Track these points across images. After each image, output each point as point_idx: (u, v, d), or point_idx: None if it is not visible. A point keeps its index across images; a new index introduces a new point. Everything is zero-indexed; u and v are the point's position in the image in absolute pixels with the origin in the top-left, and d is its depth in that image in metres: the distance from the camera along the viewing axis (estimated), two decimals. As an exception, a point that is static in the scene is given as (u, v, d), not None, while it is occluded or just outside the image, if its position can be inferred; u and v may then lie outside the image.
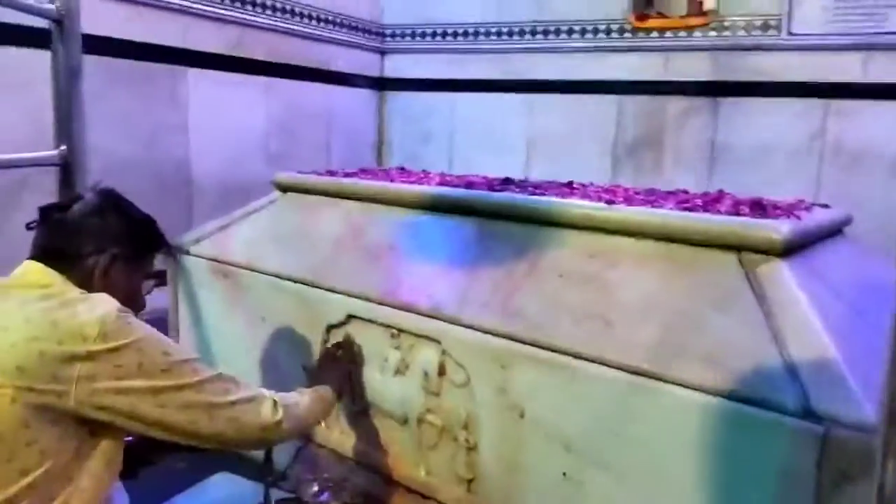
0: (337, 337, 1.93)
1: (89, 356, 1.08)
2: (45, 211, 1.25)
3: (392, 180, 2.16)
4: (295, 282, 2.03)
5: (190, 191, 3.69)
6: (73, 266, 1.21)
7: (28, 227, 1.25)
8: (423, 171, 2.35)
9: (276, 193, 2.39)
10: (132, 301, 1.29)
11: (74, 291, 1.17)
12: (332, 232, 2.10)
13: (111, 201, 1.30)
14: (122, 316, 1.14)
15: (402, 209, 2.01)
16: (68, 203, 1.27)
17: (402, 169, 2.42)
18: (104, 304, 1.15)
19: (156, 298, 3.06)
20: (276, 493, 1.79)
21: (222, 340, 2.30)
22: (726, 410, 1.25)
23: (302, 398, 1.44)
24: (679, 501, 1.33)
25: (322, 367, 1.77)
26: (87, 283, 1.22)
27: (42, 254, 1.22)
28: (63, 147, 1.93)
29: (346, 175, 2.31)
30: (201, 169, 3.73)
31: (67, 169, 1.93)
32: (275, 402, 1.30)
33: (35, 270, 1.20)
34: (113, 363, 1.10)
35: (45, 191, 1.97)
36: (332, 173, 2.36)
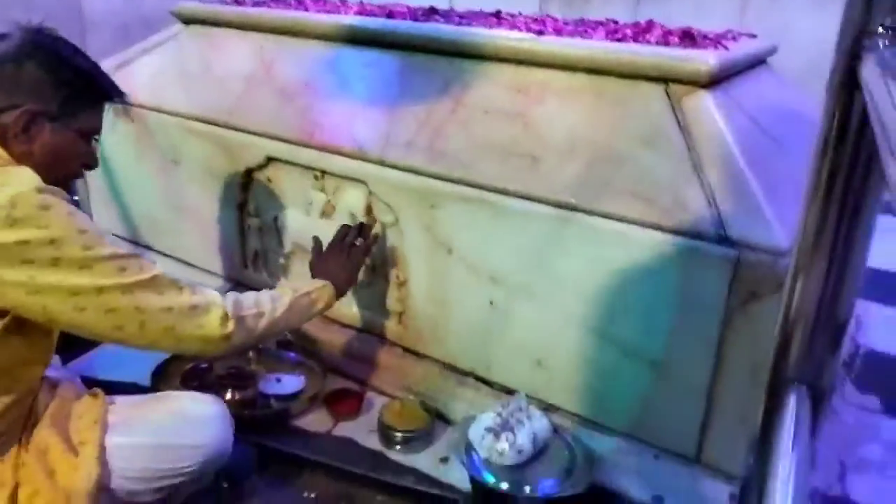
0: (259, 181, 1.87)
1: None
2: None
3: (306, 9, 2.00)
4: (208, 123, 1.91)
5: (82, 25, 3.35)
6: None
7: None
8: (340, -1, 2.18)
9: (179, 26, 2.18)
10: (66, 165, 1.13)
11: None
12: (244, 68, 1.95)
13: (32, 45, 1.08)
14: (38, 198, 0.98)
15: (318, 42, 1.88)
16: None
17: (317, -3, 2.23)
18: (18, 182, 0.99)
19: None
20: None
21: (133, 188, 2.19)
22: (647, 240, 1.30)
23: (274, 305, 1.26)
24: (600, 325, 1.41)
25: (330, 253, 1.53)
26: (7, 145, 1.06)
27: None
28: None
29: (256, 4, 2.13)
30: (93, 1, 3.37)
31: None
32: (225, 313, 1.13)
33: None
34: (21, 257, 0.97)
35: None
36: (238, 2, 2.16)
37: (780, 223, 1.21)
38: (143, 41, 2.22)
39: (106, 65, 2.16)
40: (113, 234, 1.08)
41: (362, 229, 1.61)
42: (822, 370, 0.92)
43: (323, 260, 1.53)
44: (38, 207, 0.98)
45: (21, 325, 1.05)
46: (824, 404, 0.95)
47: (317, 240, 1.58)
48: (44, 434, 1.14)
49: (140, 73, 2.11)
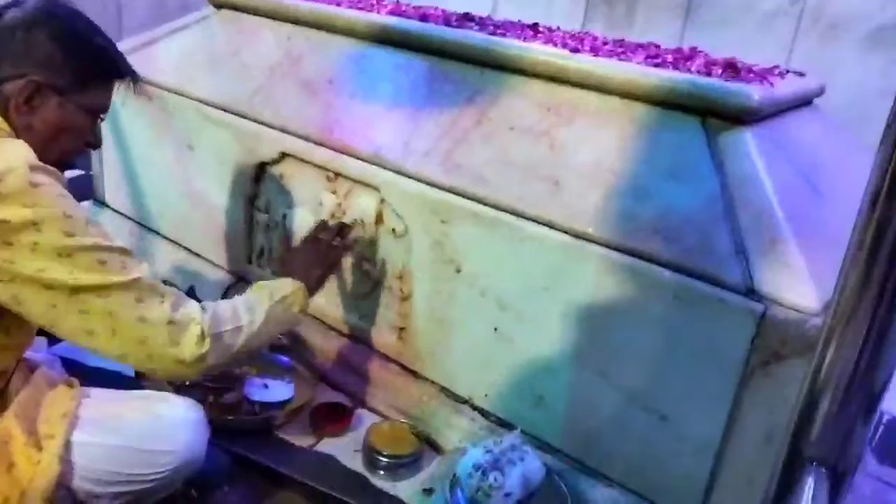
0: (271, 176, 1.80)
1: None
2: None
3: (339, 4, 1.94)
4: (226, 111, 1.85)
5: (118, 1, 3.34)
6: None
7: None
8: (377, -4, 2.12)
9: (210, 9, 2.13)
10: (67, 142, 1.08)
11: None
12: (269, 58, 1.90)
13: (46, 13, 1.03)
14: (29, 175, 0.93)
15: (347, 38, 1.81)
16: (0, 11, 1.02)
17: (354, -7, 2.17)
18: (12, 157, 0.94)
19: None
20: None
21: (149, 168, 2.14)
22: (666, 281, 1.21)
23: (252, 318, 1.15)
24: (607, 367, 1.31)
25: (304, 248, 1.45)
26: (8, 116, 1.01)
27: None
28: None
29: (289, -6, 2.07)
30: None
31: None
32: (202, 332, 1.04)
33: None
34: (1, 237, 0.91)
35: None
36: (273, -9, 2.11)
37: (814, 280, 1.11)
38: (172, 21, 2.17)
39: (134, 42, 2.12)
40: (103, 227, 1.02)
41: (342, 230, 1.53)
42: (847, 448, 0.83)
43: (296, 254, 1.43)
44: (28, 184, 0.93)
45: None
46: (845, 486, 0.86)
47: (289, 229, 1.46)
48: (8, 423, 1.08)
49: (165, 53, 2.07)
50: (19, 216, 0.92)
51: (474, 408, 1.56)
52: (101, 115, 1.14)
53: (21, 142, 0.99)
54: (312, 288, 1.36)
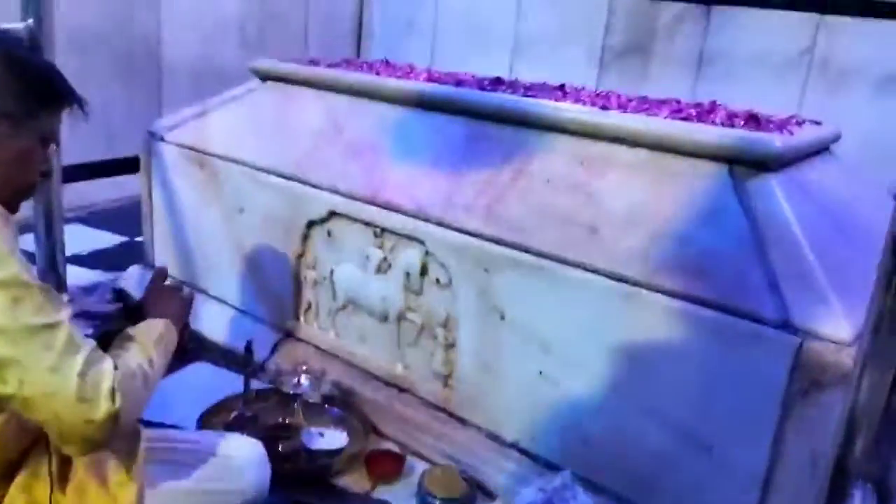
0: (319, 234, 1.91)
1: None
2: None
3: (378, 73, 2.08)
4: (275, 175, 1.98)
5: (159, 73, 3.54)
6: None
7: None
8: (409, 65, 2.26)
9: (255, 81, 2.29)
10: (21, 172, 1.05)
11: None
12: (314, 124, 2.03)
13: None
14: None
15: (387, 104, 1.95)
16: None
17: (387, 62, 2.32)
18: None
19: (128, 185, 2.99)
20: (255, 384, 1.83)
21: (198, 232, 2.26)
22: (705, 319, 1.28)
23: (150, 361, 1.06)
24: (652, 405, 1.38)
25: (161, 295, 1.28)
26: None
27: None
28: (29, 20, 1.82)
29: (330, 66, 2.22)
30: (172, 50, 3.56)
31: (34, 44, 1.82)
32: (113, 390, 0.93)
33: None
34: None
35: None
36: (314, 63, 2.26)
37: (845, 311, 1.18)
38: (216, 92, 2.33)
39: (185, 113, 2.28)
40: (26, 263, 0.95)
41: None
42: (889, 467, 0.89)
43: (156, 302, 1.25)
44: None
45: None
46: (893, 502, 0.91)
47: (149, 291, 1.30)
48: (81, 474, 1.09)
49: (216, 123, 2.21)
50: None
51: (522, 451, 1.62)
52: (52, 143, 1.13)
53: None
54: (179, 325, 1.24)
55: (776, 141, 1.40)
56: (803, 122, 1.69)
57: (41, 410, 0.90)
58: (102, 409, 0.91)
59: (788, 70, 3.45)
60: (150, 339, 1.11)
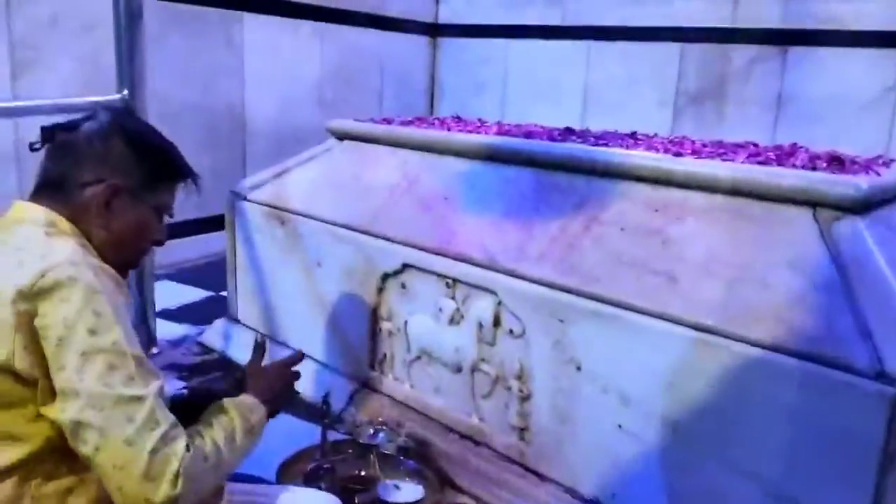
0: (394, 286, 1.94)
1: (17, 314, 0.92)
2: (47, 131, 1.08)
3: (449, 129, 2.13)
4: (351, 229, 2.04)
5: (243, 136, 3.73)
6: (70, 198, 1.06)
7: (31, 147, 1.10)
8: (479, 119, 2.31)
9: (332, 141, 2.38)
10: (138, 240, 1.13)
11: (39, 231, 1.01)
12: (389, 180, 2.09)
13: (119, 123, 1.11)
14: (69, 270, 0.95)
15: (458, 158, 1.99)
16: (76, 123, 1.10)
17: (458, 118, 2.38)
18: (56, 253, 0.97)
19: (214, 243, 3.13)
20: (332, 435, 1.84)
21: (278, 285, 2.33)
22: (794, 369, 1.22)
23: (231, 452, 1.05)
24: (738, 461, 1.31)
25: (267, 375, 1.29)
26: (84, 219, 1.06)
27: (42, 182, 1.08)
28: (125, 91, 1.96)
29: (403, 123, 2.29)
30: (255, 114, 3.75)
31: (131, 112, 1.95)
32: (177, 473, 0.93)
33: (19, 207, 1.06)
34: (33, 327, 0.93)
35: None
36: (388, 121, 2.34)
37: (948, 361, 1.11)
38: (296, 152, 2.43)
39: (266, 173, 2.38)
40: (130, 329, 0.99)
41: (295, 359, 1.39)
42: None
43: (260, 380, 1.27)
44: (66, 278, 0.94)
45: None
46: None
47: (252, 364, 1.33)
48: None
49: (295, 181, 2.31)
50: (54, 311, 0.93)
51: (602, 507, 1.56)
52: (169, 213, 1.20)
53: (69, 240, 1.02)
54: (275, 410, 1.25)
55: (862, 182, 1.34)
56: (890, 161, 1.62)
57: (108, 478, 0.92)
58: (162, 491, 0.92)
59: (872, 109, 3.33)
60: (240, 416, 1.11)
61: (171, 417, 0.97)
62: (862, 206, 1.34)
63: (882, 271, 1.26)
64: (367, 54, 4.29)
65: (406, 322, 1.93)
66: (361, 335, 2.06)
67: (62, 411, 0.92)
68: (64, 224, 1.05)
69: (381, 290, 1.98)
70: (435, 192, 1.96)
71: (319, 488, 1.58)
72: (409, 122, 2.30)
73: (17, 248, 0.98)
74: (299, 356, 1.38)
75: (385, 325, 2.00)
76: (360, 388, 2.08)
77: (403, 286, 1.93)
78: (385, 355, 2.03)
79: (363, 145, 2.25)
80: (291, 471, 1.72)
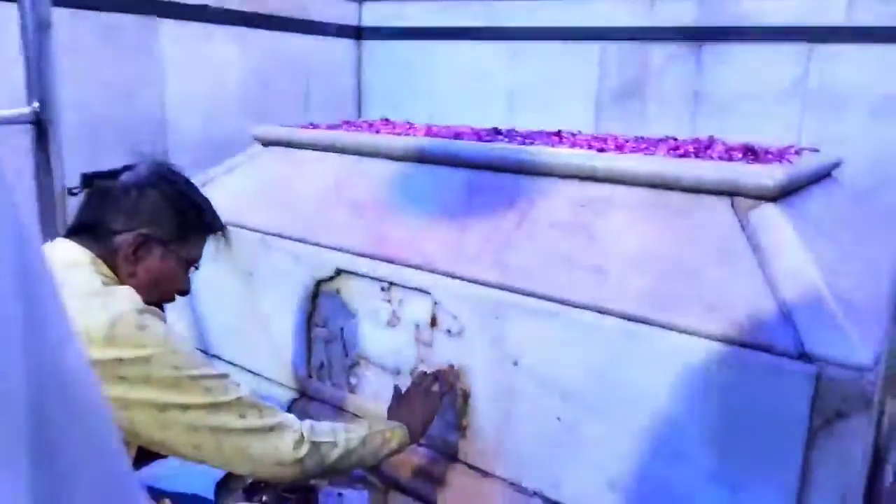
0: (328, 293, 1.92)
1: (92, 363, 0.99)
2: (86, 178, 1.18)
3: (377, 132, 2.12)
4: (282, 237, 2.00)
5: (165, 146, 3.61)
6: (102, 242, 1.13)
7: (70, 192, 1.19)
8: (408, 122, 2.31)
9: (258, 147, 2.33)
10: (163, 289, 1.20)
11: (97, 278, 1.08)
12: (318, 186, 2.06)
13: (157, 176, 1.19)
14: (137, 318, 1.02)
15: (388, 161, 1.98)
16: (117, 172, 1.18)
17: (387, 120, 2.37)
18: (120, 302, 1.03)
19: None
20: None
21: (209, 297, 2.27)
22: (720, 354, 1.27)
23: (348, 436, 1.24)
24: (673, 445, 1.35)
25: (408, 397, 1.50)
26: (113, 264, 1.13)
27: (77, 225, 1.15)
28: (36, 104, 1.87)
29: (330, 127, 2.27)
30: (177, 124, 3.64)
31: (41, 126, 1.86)
32: (301, 437, 1.14)
33: (64, 249, 1.12)
34: (117, 374, 1.00)
35: (20, 150, 1.90)
36: (314, 126, 2.31)
37: (861, 337, 1.17)
38: (225, 161, 2.37)
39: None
40: (202, 356, 1.11)
41: (438, 377, 1.59)
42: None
43: (401, 404, 1.49)
44: (136, 327, 1.01)
45: None
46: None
47: (397, 388, 1.56)
48: None
49: (221, 190, 2.25)
50: (132, 355, 1.01)
51: (545, 499, 1.58)
52: (195, 265, 1.28)
53: (128, 287, 1.10)
54: (416, 432, 1.41)
55: (776, 171, 1.41)
56: (801, 150, 1.70)
57: (237, 462, 1.09)
58: (290, 453, 1.12)
59: (784, 100, 3.48)
60: (369, 426, 1.30)
61: (271, 402, 1.16)
62: (777, 194, 1.41)
63: (799, 255, 1.32)
64: (291, 59, 4.22)
65: (342, 328, 1.91)
66: (297, 344, 2.02)
67: (164, 427, 1.04)
68: (103, 266, 1.12)
69: (315, 297, 1.95)
70: (367, 195, 1.95)
71: (260, 500, 1.54)
72: (337, 126, 2.28)
73: (80, 295, 1.03)
74: (443, 375, 1.60)
75: (321, 332, 1.97)
76: (299, 397, 2.05)
77: (338, 292, 1.90)
78: (322, 363, 2.00)
79: (290, 151, 2.21)
80: (231, 486, 1.67)
